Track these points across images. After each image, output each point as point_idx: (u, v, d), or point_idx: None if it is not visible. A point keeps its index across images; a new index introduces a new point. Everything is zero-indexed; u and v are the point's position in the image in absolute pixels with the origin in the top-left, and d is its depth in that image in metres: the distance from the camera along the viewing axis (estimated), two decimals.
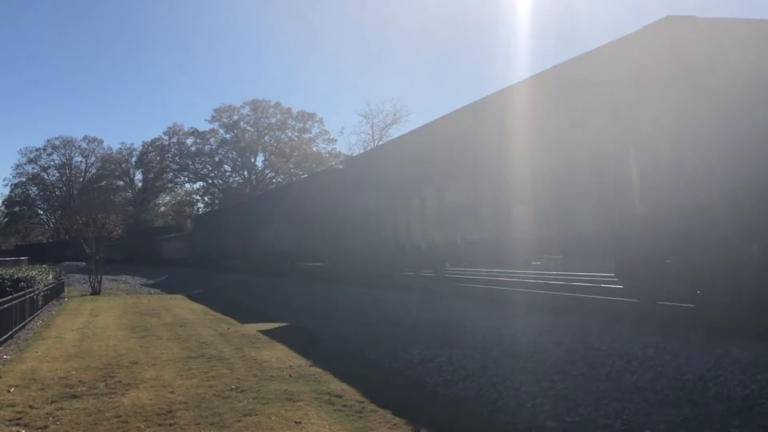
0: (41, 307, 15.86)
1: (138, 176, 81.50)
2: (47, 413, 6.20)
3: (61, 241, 70.43)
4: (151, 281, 32.41)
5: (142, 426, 5.73)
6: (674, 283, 8.55)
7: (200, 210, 73.68)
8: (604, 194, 8.78)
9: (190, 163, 73.08)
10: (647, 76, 8.05)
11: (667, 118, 7.71)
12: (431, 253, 14.88)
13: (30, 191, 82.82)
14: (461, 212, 12.67)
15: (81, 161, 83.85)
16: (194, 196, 78.53)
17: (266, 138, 70.93)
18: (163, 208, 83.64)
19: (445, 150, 13.55)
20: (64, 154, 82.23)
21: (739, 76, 7.29)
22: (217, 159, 72.13)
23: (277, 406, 6.32)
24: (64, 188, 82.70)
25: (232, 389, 7.08)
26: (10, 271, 14.90)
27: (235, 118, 70.70)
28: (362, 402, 6.45)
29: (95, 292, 24.04)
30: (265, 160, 70.70)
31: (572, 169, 9.40)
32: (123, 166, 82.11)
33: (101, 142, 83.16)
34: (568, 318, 9.10)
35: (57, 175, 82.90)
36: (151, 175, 76.41)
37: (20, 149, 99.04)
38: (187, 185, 78.04)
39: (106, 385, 7.40)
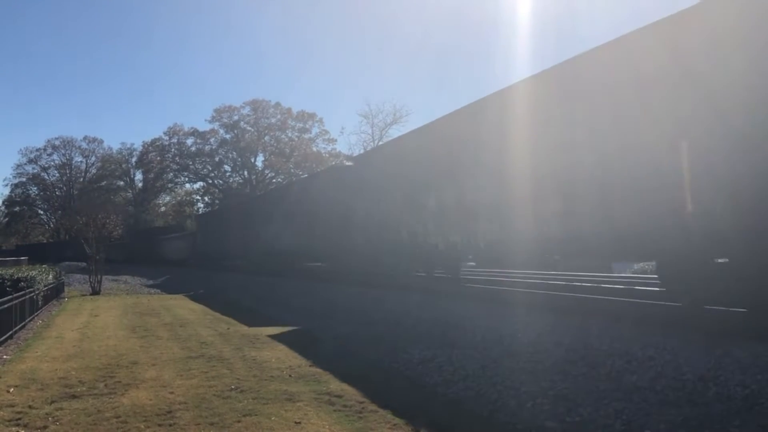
0: (41, 307, 15.85)
1: (138, 176, 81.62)
2: (47, 413, 6.20)
3: (61, 241, 70.42)
4: (152, 281, 32.24)
5: (142, 426, 5.73)
6: (727, 286, 7.69)
7: (200, 210, 73.70)
8: (646, 190, 8.16)
9: (191, 163, 73.10)
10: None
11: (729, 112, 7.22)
12: (447, 253, 14.23)
13: (30, 191, 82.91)
14: (483, 210, 11.99)
15: (81, 161, 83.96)
16: (194, 196, 78.59)
17: (266, 138, 70.94)
18: (163, 208, 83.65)
19: (468, 142, 12.64)
20: (64, 154, 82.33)
21: None
22: (217, 159, 72.15)
23: (277, 407, 6.32)
24: (65, 188, 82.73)
25: (232, 389, 7.08)
26: (10, 271, 14.91)
27: (235, 118, 70.77)
28: (362, 402, 6.45)
29: (95, 292, 24.05)
30: (265, 160, 70.75)
31: (616, 163, 8.71)
32: (123, 166, 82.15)
33: (101, 142, 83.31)
34: (568, 318, 9.09)
35: (57, 175, 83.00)
36: (152, 175, 76.44)
37: (20, 149, 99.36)
38: (187, 185, 78.15)
39: (105, 385, 7.40)
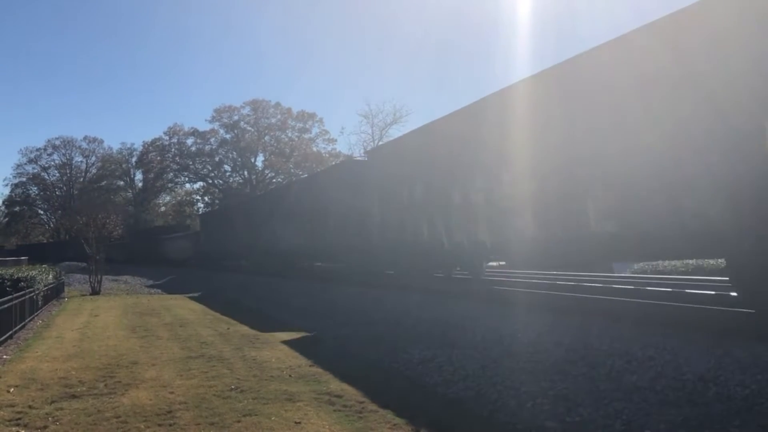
0: (41, 307, 15.86)
1: (138, 176, 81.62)
2: (47, 413, 6.20)
3: (61, 241, 70.39)
4: (153, 282, 31.99)
5: (142, 426, 5.73)
6: None
7: (200, 210, 73.70)
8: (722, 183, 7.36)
9: (191, 163, 73.10)
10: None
11: None
12: (470, 252, 13.35)
13: (30, 191, 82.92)
14: (517, 206, 11.04)
15: (81, 161, 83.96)
16: (194, 196, 78.57)
17: (266, 138, 70.95)
18: (163, 208, 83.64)
19: (496, 133, 11.60)
20: (64, 154, 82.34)
21: None
22: (217, 159, 72.15)
23: (277, 407, 6.32)
24: (65, 188, 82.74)
25: (232, 389, 7.08)
26: (10, 271, 14.91)
27: (235, 118, 70.78)
28: (362, 402, 6.45)
29: (95, 292, 24.05)
30: (265, 160, 70.75)
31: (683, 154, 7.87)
32: (123, 166, 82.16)
33: (101, 142, 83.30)
34: (570, 318, 9.08)
35: (57, 175, 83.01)
36: (152, 175, 76.44)
37: (20, 149, 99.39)
38: (188, 185, 78.13)
39: (105, 385, 7.41)
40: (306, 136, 70.93)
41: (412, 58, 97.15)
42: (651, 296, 10.66)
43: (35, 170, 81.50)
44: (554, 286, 13.31)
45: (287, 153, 69.39)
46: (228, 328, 12.59)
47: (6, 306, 10.75)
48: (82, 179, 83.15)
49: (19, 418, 6.05)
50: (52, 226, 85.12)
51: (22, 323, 12.54)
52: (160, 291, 26.85)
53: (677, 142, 7.80)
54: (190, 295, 22.91)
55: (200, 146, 72.14)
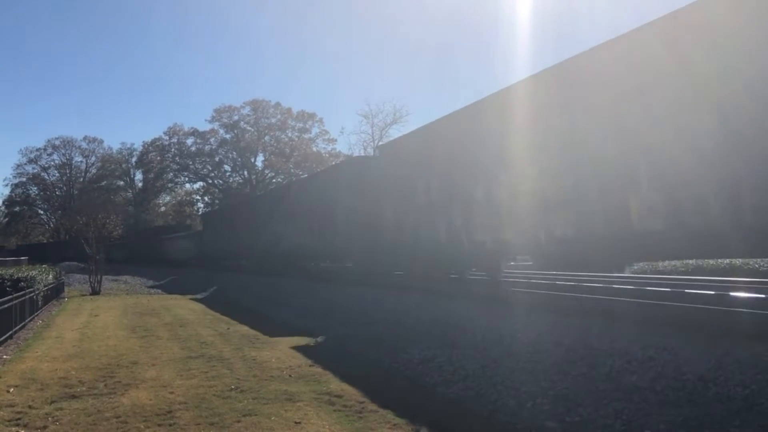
0: (41, 307, 15.86)
1: (138, 176, 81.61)
2: (47, 413, 6.20)
3: (61, 241, 70.40)
4: (154, 282, 31.82)
5: (142, 426, 5.73)
6: None
7: (200, 210, 73.73)
8: None
9: (191, 163, 73.09)
10: None
11: None
12: (488, 252, 12.59)
13: (30, 191, 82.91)
14: (548, 202, 10.31)
15: (81, 161, 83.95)
16: (194, 196, 78.57)
17: (266, 138, 70.94)
18: (163, 208, 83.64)
19: (524, 123, 10.90)
20: (64, 154, 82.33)
21: None
22: (217, 159, 72.15)
23: (277, 407, 6.32)
24: (65, 188, 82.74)
25: (232, 389, 7.08)
26: (10, 271, 14.91)
27: (235, 118, 70.76)
28: (362, 402, 6.45)
29: (95, 292, 24.06)
30: (265, 160, 70.75)
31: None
32: (123, 166, 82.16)
33: (101, 142, 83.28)
34: (569, 318, 9.07)
35: (57, 175, 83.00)
36: (152, 175, 76.45)
37: (20, 149, 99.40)
38: (187, 185, 78.11)
39: (105, 385, 7.41)
40: (306, 136, 70.96)
41: (412, 58, 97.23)
42: (651, 296, 10.48)
43: (35, 170, 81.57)
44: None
45: (287, 153, 69.39)
46: (228, 328, 12.59)
47: (6, 306, 10.75)
48: (82, 179, 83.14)
49: (19, 418, 6.05)
50: (52, 226, 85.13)
51: (22, 323, 12.54)
52: (160, 291, 26.83)
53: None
54: (193, 296, 22.63)
55: (200, 146, 72.15)
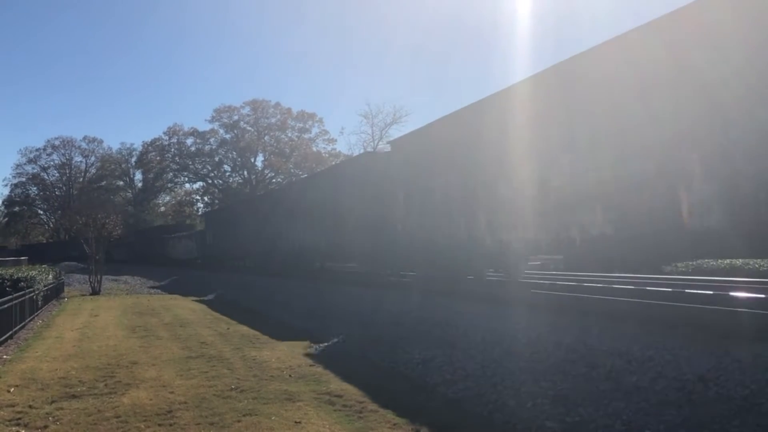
0: (41, 307, 15.86)
1: (138, 176, 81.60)
2: (47, 413, 6.21)
3: (61, 241, 70.37)
4: (155, 283, 31.46)
5: (142, 426, 5.73)
6: None
7: (200, 210, 73.72)
8: None
9: (190, 163, 73.09)
10: None
11: None
12: (509, 251, 11.90)
13: (30, 191, 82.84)
14: (581, 198, 9.65)
15: (81, 161, 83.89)
16: (194, 196, 78.56)
17: (266, 138, 70.95)
18: (163, 208, 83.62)
19: (559, 111, 10.13)
20: (64, 154, 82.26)
21: None
22: (217, 159, 72.15)
23: (277, 406, 6.32)
24: (64, 188, 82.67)
25: (232, 389, 7.08)
26: (10, 271, 14.91)
27: (235, 118, 70.78)
28: (362, 402, 6.46)
29: (95, 292, 24.06)
30: (265, 160, 70.75)
31: None
32: (123, 166, 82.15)
33: (101, 142, 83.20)
34: (568, 318, 9.07)
35: (57, 175, 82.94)
36: (151, 175, 76.46)
37: (20, 149, 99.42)
38: (187, 185, 78.12)
39: (105, 385, 7.41)
40: (306, 136, 70.99)
41: (412, 58, 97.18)
42: (651, 296, 10.41)
43: (35, 170, 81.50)
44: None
45: (287, 153, 69.39)
46: (228, 328, 12.59)
47: (6, 306, 10.76)
48: (81, 179, 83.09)
49: (20, 418, 6.06)
50: (51, 226, 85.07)
51: (22, 323, 12.54)
52: (160, 291, 26.81)
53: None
54: (197, 298, 21.72)
55: (200, 146, 72.15)
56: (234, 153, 71.44)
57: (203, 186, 75.75)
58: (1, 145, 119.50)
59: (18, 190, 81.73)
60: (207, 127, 71.74)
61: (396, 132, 59.38)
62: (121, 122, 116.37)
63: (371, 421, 5.82)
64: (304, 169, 64.79)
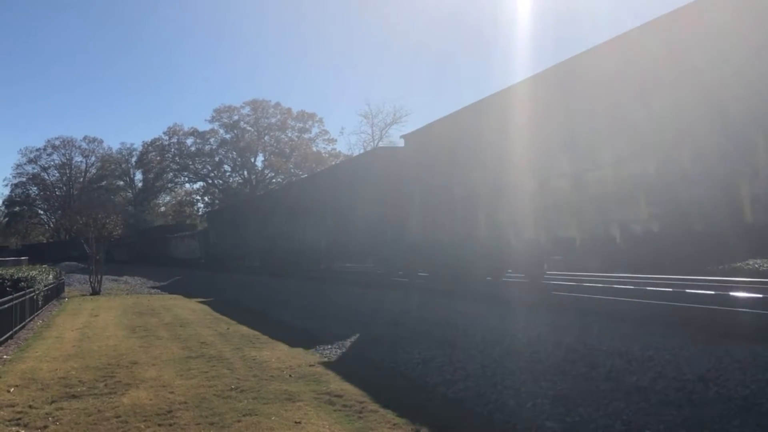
0: (41, 307, 15.86)
1: (138, 176, 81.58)
2: (47, 413, 6.21)
3: (62, 241, 70.37)
4: (156, 283, 31.19)
5: (142, 426, 5.73)
6: None
7: (200, 210, 73.74)
8: None
9: (190, 163, 73.11)
10: None
11: None
12: (531, 251, 11.15)
13: (30, 191, 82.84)
14: (617, 192, 8.87)
15: (81, 161, 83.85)
16: (194, 196, 78.57)
17: (266, 138, 70.96)
18: (163, 208, 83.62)
19: (601, 90, 9.16)
20: (64, 154, 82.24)
21: None
22: (217, 159, 72.17)
23: (277, 406, 6.32)
24: (65, 188, 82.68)
25: (232, 389, 7.08)
26: (11, 271, 14.91)
27: (235, 118, 70.79)
28: (362, 402, 6.46)
29: (95, 292, 24.07)
30: (265, 160, 70.77)
31: None
32: (123, 166, 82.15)
33: (101, 142, 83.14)
34: (568, 318, 9.06)
35: (57, 175, 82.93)
36: (151, 175, 76.46)
37: (20, 149, 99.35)
38: (187, 185, 78.10)
39: (105, 385, 7.41)
40: (306, 136, 70.99)
41: (412, 58, 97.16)
42: (651, 296, 10.23)
43: (35, 170, 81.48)
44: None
45: (287, 153, 69.40)
46: (228, 328, 12.58)
47: (6, 306, 10.76)
48: (81, 179, 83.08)
49: (20, 418, 6.06)
50: (52, 226, 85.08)
51: (23, 323, 12.54)
52: (160, 292, 26.79)
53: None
54: (203, 299, 21.21)
55: (200, 146, 72.17)
56: (234, 153, 71.46)
57: (203, 186, 75.80)
58: (1, 145, 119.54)
59: (18, 190, 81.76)
60: (207, 127, 71.82)
61: (396, 132, 59.42)
62: (121, 122, 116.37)
63: (371, 421, 5.82)
64: (304, 169, 64.81)
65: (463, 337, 8.94)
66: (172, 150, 73.39)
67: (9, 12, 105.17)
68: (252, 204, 34.14)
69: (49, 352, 9.78)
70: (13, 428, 5.77)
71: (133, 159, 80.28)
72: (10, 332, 11.09)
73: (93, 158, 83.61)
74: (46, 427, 5.80)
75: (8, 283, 13.54)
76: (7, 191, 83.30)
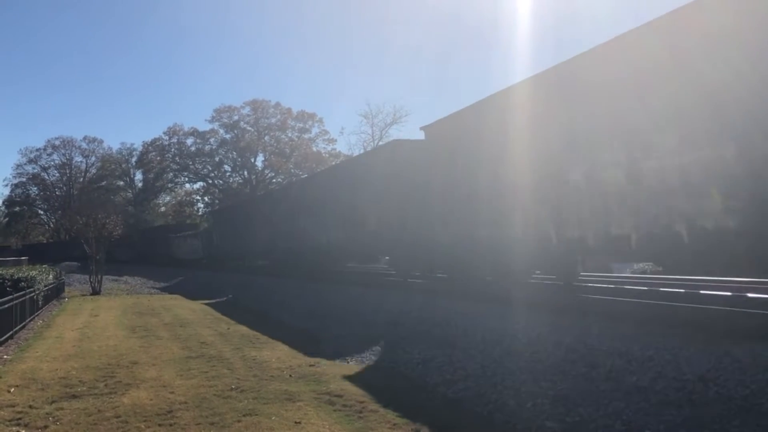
0: (41, 307, 15.86)
1: (138, 176, 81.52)
2: (47, 413, 6.21)
3: (62, 241, 70.36)
4: (156, 283, 31.05)
5: (142, 426, 5.73)
6: None
7: (200, 210, 73.74)
8: None
9: (190, 163, 73.10)
10: None
11: None
12: (559, 251, 10.35)
13: (30, 191, 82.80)
14: (681, 185, 7.82)
15: (81, 161, 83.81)
16: (194, 196, 78.54)
17: (266, 138, 70.94)
18: (163, 208, 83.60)
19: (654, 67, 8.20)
20: (64, 154, 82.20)
21: None
22: (217, 159, 72.14)
23: (277, 406, 6.32)
24: (65, 188, 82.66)
25: (232, 389, 7.08)
26: (11, 271, 14.92)
27: (235, 118, 70.76)
28: (362, 402, 6.46)
29: (95, 293, 24.07)
30: (265, 160, 70.73)
31: None
32: (123, 166, 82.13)
33: (101, 142, 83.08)
34: (568, 318, 9.06)
35: (57, 175, 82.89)
36: (152, 175, 76.43)
37: (20, 149, 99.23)
38: (187, 185, 78.04)
39: (106, 385, 7.41)
40: (306, 136, 70.95)
41: (412, 58, 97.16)
42: (651, 296, 9.91)
43: (35, 170, 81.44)
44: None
45: (287, 153, 69.38)
46: (228, 328, 12.59)
47: (6, 306, 10.76)
48: (82, 179, 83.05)
49: (20, 418, 6.06)
50: (52, 226, 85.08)
51: (23, 323, 12.55)
52: (160, 292, 26.79)
53: None
54: (201, 299, 20.76)
55: (200, 146, 72.15)
56: (234, 153, 71.44)
57: (203, 186, 75.74)
58: (1, 145, 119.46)
59: (18, 190, 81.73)
60: (207, 127, 71.75)
61: (396, 132, 59.43)
62: (121, 122, 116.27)
63: (371, 421, 5.82)
64: (304, 169, 64.78)
65: (462, 337, 8.94)
66: (172, 150, 73.39)
67: (9, 12, 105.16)
68: (258, 203, 33.34)
69: (49, 352, 9.79)
70: (14, 428, 5.77)
71: (133, 159, 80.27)
72: (11, 332, 11.09)
73: (93, 158, 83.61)
74: (46, 427, 5.80)
75: (8, 283, 13.55)
76: (7, 191, 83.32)
